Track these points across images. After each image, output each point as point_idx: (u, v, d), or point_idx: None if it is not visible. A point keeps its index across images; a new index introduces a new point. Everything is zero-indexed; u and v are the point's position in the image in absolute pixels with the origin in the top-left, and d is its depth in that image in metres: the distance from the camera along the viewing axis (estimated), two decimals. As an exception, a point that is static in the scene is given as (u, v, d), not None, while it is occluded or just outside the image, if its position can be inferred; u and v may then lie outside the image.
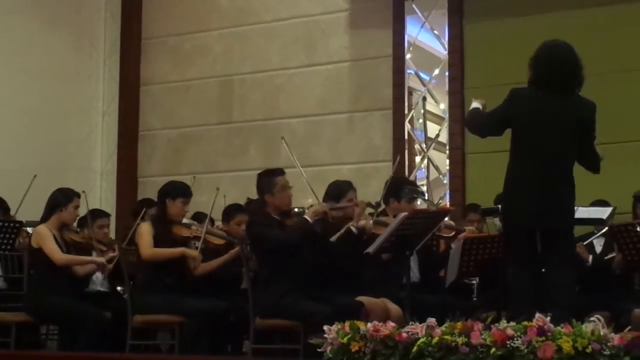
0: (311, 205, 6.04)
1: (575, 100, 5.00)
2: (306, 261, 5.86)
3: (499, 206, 5.71)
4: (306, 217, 5.76)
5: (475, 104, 5.36)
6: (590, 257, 6.43)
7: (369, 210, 6.10)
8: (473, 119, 5.32)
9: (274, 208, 5.90)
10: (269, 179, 5.91)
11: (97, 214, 7.09)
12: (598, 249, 6.53)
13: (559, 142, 4.94)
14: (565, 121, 4.94)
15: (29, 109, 8.96)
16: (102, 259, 6.46)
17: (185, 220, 6.48)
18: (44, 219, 6.49)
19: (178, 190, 6.31)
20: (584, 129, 4.99)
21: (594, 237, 6.49)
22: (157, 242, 6.17)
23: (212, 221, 7.10)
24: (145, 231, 6.19)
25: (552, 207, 4.91)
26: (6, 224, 6.78)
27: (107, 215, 7.23)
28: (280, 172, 5.97)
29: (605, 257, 6.39)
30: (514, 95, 5.06)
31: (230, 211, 7.01)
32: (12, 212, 7.32)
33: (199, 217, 7.16)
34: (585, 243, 6.44)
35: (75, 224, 6.85)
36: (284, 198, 5.90)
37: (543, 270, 5.01)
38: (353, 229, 5.89)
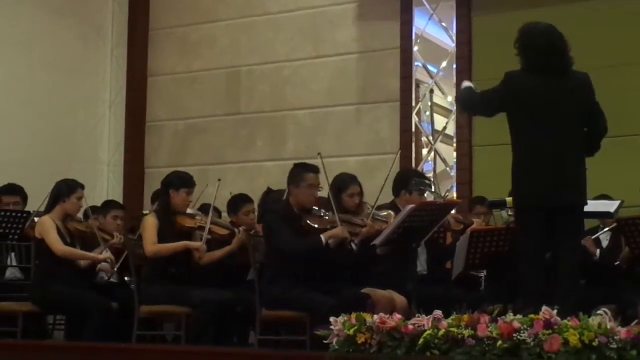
0: (324, 201, 6.01)
1: (573, 77, 5.06)
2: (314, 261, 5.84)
3: (506, 198, 5.73)
4: (322, 237, 5.71)
5: (467, 83, 5.41)
6: (598, 251, 6.42)
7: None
8: (467, 97, 5.36)
9: (296, 202, 5.88)
10: (301, 171, 5.89)
11: (111, 205, 7.13)
12: (605, 243, 6.53)
13: (564, 121, 4.97)
14: (566, 100, 4.99)
15: (36, 99, 8.97)
16: (103, 256, 6.44)
17: (189, 211, 6.48)
18: (48, 209, 6.51)
19: (181, 181, 6.31)
20: (587, 100, 5.05)
21: (602, 231, 6.49)
22: (162, 233, 6.18)
23: (218, 213, 7.11)
24: (149, 225, 6.20)
25: (566, 184, 4.95)
26: (14, 214, 6.81)
27: (122, 207, 7.23)
28: (314, 169, 5.91)
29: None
30: (510, 78, 5.10)
31: (238, 202, 7.01)
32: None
33: (206, 209, 7.15)
34: (593, 237, 6.44)
35: (81, 214, 6.86)
36: (308, 196, 5.87)
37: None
38: (353, 245, 5.87)
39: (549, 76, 5.00)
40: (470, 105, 5.43)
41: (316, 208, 5.93)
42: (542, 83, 5.00)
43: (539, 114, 4.99)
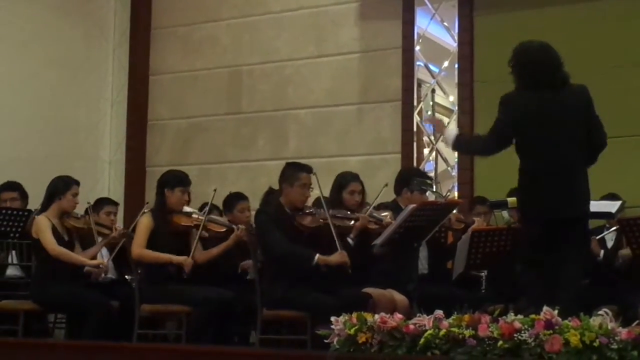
0: (319, 203, 6.01)
1: (569, 91, 5.05)
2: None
3: (507, 199, 5.73)
4: (316, 257, 5.70)
5: (451, 132, 5.41)
6: (602, 251, 6.42)
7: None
8: (473, 146, 5.44)
9: (288, 201, 5.90)
10: (295, 171, 5.92)
11: (105, 201, 7.12)
12: (609, 243, 6.52)
13: (562, 137, 4.99)
14: (564, 116, 5.00)
15: (38, 97, 8.97)
16: (94, 262, 6.41)
17: (187, 209, 6.48)
18: (44, 207, 6.50)
19: (176, 180, 6.32)
20: (585, 113, 5.03)
21: (607, 232, 6.49)
22: (158, 232, 6.18)
23: (219, 211, 7.11)
24: (141, 226, 6.21)
25: (567, 198, 4.96)
26: (15, 212, 6.80)
27: (116, 203, 7.23)
28: (308, 169, 5.95)
29: None
30: (507, 100, 5.13)
31: (232, 200, 7.03)
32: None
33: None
34: (598, 237, 6.44)
35: (83, 211, 6.86)
36: (300, 195, 5.90)
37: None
38: (350, 241, 5.90)
39: (545, 93, 5.02)
40: (483, 150, 5.41)
41: (308, 206, 5.95)
42: (539, 100, 5.02)
43: (538, 131, 5.01)
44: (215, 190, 6.58)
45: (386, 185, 6.26)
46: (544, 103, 5.00)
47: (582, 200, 5.04)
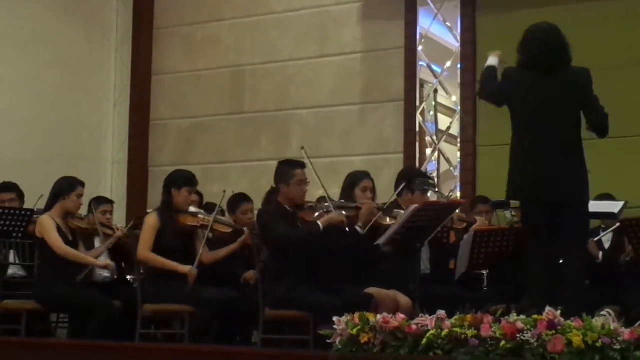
0: (322, 199, 6.02)
1: (567, 74, 5.07)
2: (317, 253, 5.86)
3: (510, 200, 5.73)
4: (319, 222, 5.73)
5: (491, 60, 5.39)
6: (600, 253, 6.42)
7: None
8: (487, 81, 5.37)
9: (287, 199, 5.90)
10: (288, 169, 5.92)
11: (100, 201, 7.13)
12: (607, 244, 6.52)
13: (555, 121, 5.00)
14: (557, 98, 5.02)
15: (40, 97, 8.98)
16: (102, 263, 6.43)
17: (193, 209, 6.48)
18: (48, 207, 6.51)
19: (183, 179, 6.31)
20: (580, 96, 5.04)
21: (604, 233, 6.48)
22: (164, 232, 6.17)
23: (222, 212, 7.12)
24: (147, 227, 6.19)
25: (554, 181, 4.96)
26: (17, 212, 6.81)
27: (111, 202, 7.25)
28: (300, 165, 5.95)
29: None
30: (507, 75, 5.19)
31: (235, 201, 7.04)
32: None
33: (209, 208, 7.17)
34: (595, 239, 6.44)
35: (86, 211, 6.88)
36: (298, 192, 5.90)
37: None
38: (358, 229, 5.91)
39: (541, 74, 5.04)
40: (487, 92, 5.40)
41: (308, 201, 5.96)
42: (534, 80, 5.06)
43: (529, 111, 5.06)
44: (224, 191, 6.63)
45: (380, 211, 6.23)
46: (537, 85, 5.03)
47: (566, 184, 4.98)
